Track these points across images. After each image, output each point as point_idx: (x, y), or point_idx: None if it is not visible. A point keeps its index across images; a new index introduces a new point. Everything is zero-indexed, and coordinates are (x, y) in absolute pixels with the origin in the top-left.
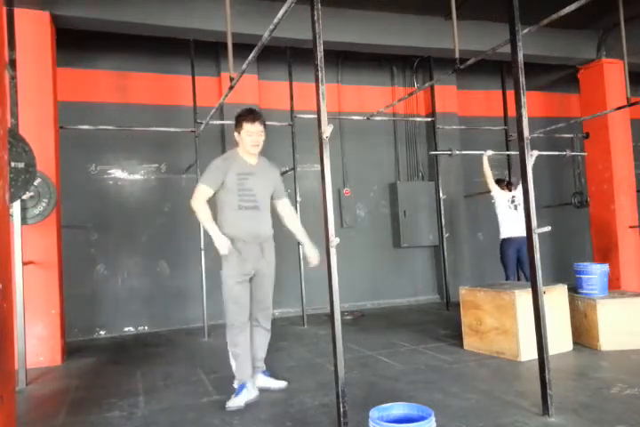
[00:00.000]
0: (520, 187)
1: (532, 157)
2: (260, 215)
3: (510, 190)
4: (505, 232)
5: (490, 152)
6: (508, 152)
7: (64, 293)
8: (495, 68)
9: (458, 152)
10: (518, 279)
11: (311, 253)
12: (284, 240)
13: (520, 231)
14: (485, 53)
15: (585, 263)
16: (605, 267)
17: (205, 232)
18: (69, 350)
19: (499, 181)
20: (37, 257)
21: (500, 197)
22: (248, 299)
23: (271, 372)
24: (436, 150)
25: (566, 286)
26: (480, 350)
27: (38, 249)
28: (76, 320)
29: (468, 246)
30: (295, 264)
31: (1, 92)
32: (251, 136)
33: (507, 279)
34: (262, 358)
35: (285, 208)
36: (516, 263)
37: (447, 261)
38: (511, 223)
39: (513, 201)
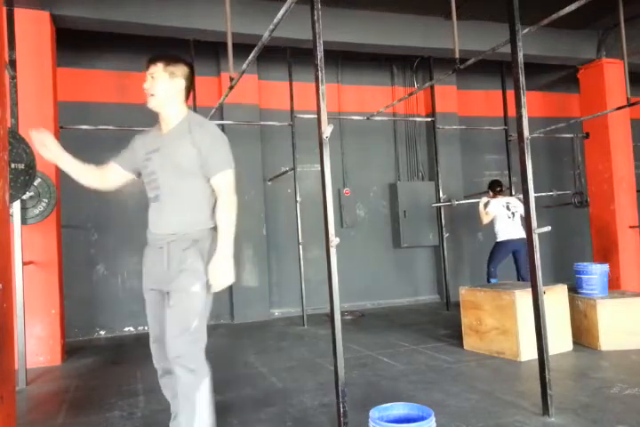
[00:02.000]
0: (514, 197)
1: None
2: (161, 207)
3: (501, 195)
4: (502, 236)
5: (485, 199)
6: (508, 156)
7: (64, 293)
8: (495, 68)
9: (457, 202)
10: None
11: (211, 269)
12: (283, 239)
13: (516, 234)
14: (485, 53)
15: (585, 263)
16: (605, 267)
17: None
18: (69, 350)
19: (493, 184)
20: (37, 257)
21: (497, 210)
22: (152, 316)
23: None
24: (435, 150)
25: (566, 286)
26: (480, 350)
27: (38, 249)
28: (75, 320)
29: (468, 246)
30: (295, 264)
31: (1, 92)
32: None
33: (488, 280)
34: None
35: (217, 194)
36: (498, 266)
37: (447, 261)
38: (508, 228)
39: (509, 208)
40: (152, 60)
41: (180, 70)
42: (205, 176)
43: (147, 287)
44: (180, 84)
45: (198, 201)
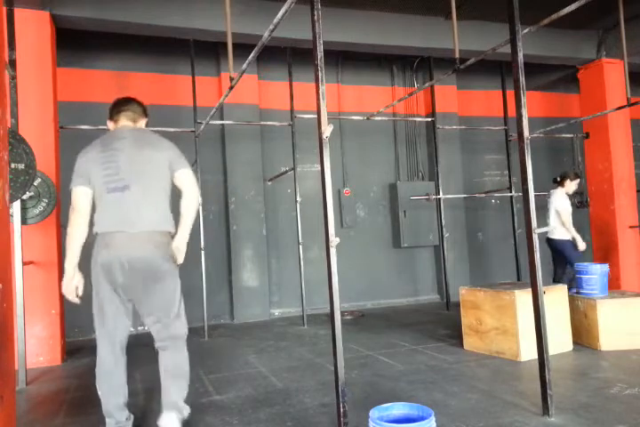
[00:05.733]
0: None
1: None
2: None
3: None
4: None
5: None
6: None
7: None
8: (495, 68)
9: (434, 197)
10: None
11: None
12: (283, 239)
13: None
14: (485, 53)
15: (585, 263)
16: (605, 267)
17: (205, 231)
18: (69, 350)
19: (564, 177)
20: (37, 257)
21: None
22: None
23: None
24: (435, 150)
25: (566, 286)
26: (480, 350)
27: (38, 249)
28: (75, 320)
29: (468, 246)
30: (295, 264)
31: (1, 92)
32: None
33: (556, 281)
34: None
35: None
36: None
37: (447, 261)
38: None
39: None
40: None
41: None
42: None
43: None
44: None
45: None
